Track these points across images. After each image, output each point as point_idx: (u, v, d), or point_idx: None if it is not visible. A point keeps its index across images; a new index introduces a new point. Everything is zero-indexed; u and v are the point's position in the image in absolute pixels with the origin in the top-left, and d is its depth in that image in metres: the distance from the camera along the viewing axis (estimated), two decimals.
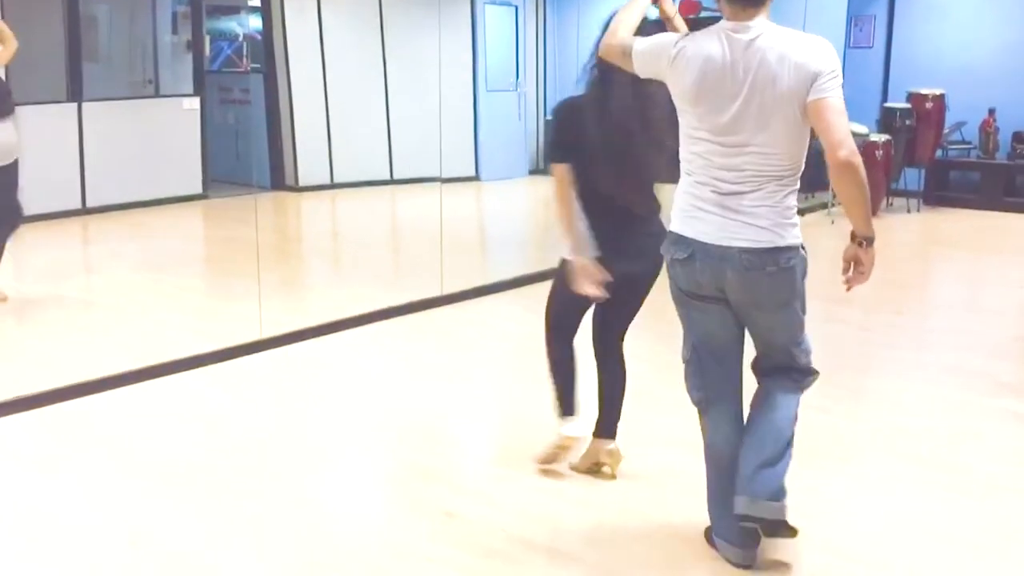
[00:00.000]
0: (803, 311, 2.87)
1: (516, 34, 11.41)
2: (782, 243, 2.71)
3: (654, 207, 3.22)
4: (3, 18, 6.60)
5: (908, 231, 8.53)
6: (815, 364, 2.97)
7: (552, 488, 3.34)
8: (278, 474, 3.46)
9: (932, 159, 9.26)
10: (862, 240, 2.68)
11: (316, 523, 3.10)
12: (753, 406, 2.89)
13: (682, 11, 9.81)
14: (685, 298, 2.80)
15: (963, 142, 9.46)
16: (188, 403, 4.17)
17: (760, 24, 2.64)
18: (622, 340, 3.37)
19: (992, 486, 3.36)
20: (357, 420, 3.99)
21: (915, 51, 9.82)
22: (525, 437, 3.74)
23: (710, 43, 2.65)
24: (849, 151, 2.56)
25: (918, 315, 5.91)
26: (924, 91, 9.06)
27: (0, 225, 5.42)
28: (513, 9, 11.34)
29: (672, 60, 2.68)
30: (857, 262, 2.71)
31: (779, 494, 2.73)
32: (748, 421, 2.87)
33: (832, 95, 2.59)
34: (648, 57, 2.76)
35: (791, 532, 2.76)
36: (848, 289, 2.76)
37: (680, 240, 2.74)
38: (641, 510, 3.18)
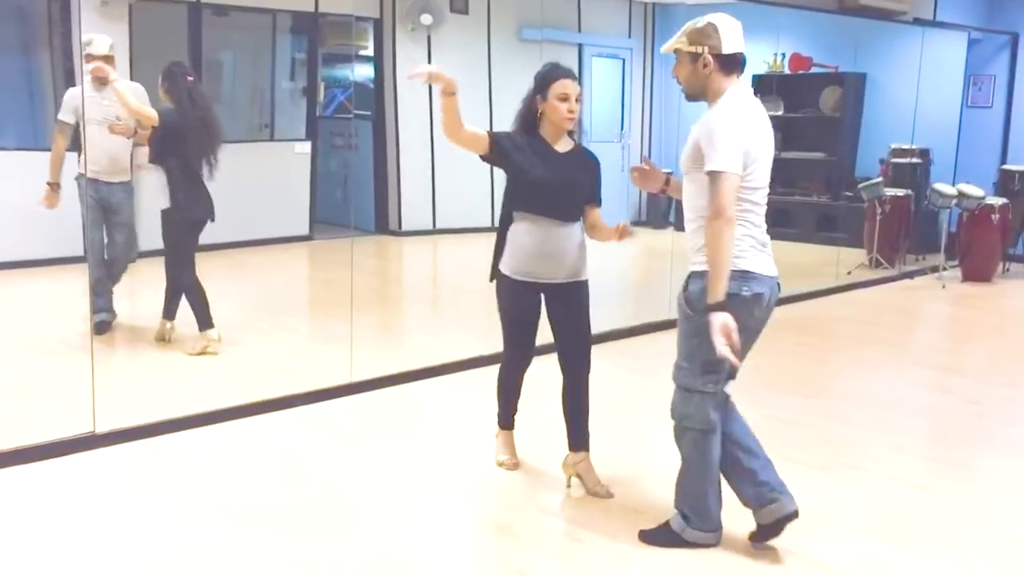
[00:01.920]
0: None
1: (623, 85, 11.45)
2: None
3: None
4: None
5: (1023, 299, 8.15)
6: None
7: (620, 550, 3.26)
8: (356, 520, 3.47)
9: None
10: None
11: (391, 572, 3.09)
12: (737, 419, 3.29)
13: (792, 67, 9.69)
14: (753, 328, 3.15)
15: None
16: (276, 443, 4.24)
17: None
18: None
19: None
20: (441, 469, 3.98)
21: None
22: (603, 500, 3.67)
23: (753, 105, 3.15)
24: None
25: None
26: None
27: (119, 258, 5.70)
28: (620, 62, 11.39)
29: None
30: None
31: None
32: (746, 432, 3.27)
33: None
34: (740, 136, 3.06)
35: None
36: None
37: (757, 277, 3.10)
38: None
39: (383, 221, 10.38)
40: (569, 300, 3.67)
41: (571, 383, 3.75)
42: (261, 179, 9.33)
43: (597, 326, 6.19)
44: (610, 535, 3.38)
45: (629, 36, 11.51)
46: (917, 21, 8.65)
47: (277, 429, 4.40)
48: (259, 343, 5.84)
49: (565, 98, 3.53)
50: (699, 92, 3.18)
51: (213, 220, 5.68)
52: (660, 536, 3.32)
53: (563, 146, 3.65)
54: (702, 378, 3.13)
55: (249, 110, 10.38)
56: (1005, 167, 9.03)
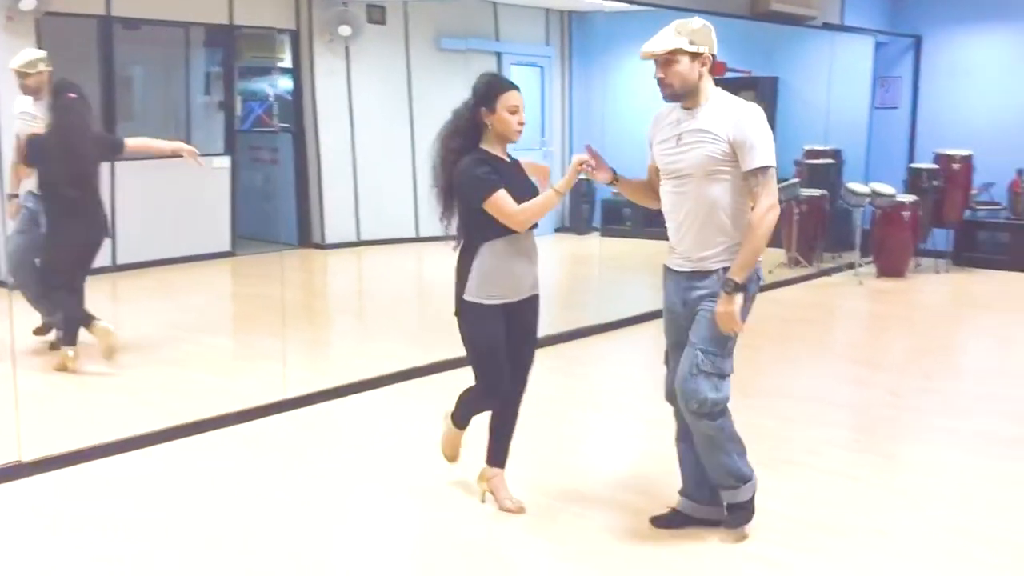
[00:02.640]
0: None
1: (542, 93, 11.54)
2: None
3: None
4: None
5: (936, 292, 8.45)
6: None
7: (574, 555, 3.29)
8: (296, 537, 3.43)
9: (960, 220, 9.21)
10: None
11: None
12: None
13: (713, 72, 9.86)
14: None
15: (992, 203, 9.40)
16: (212, 464, 4.15)
17: None
18: None
19: None
20: (378, 482, 3.96)
21: (941, 112, 9.83)
22: (548, 503, 3.70)
23: None
24: None
25: (949, 379, 5.82)
26: (951, 152, 9.05)
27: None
28: (539, 69, 11.48)
29: None
30: None
31: None
32: None
33: None
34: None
35: None
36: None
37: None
38: None
39: (306, 234, 10.25)
40: (526, 315, 3.57)
41: (510, 400, 3.64)
42: (179, 195, 9.13)
43: None
44: (557, 540, 3.40)
45: (547, 44, 11.62)
46: (826, 26, 8.92)
47: (212, 449, 4.32)
48: (187, 362, 5.72)
49: (515, 110, 3.41)
50: (691, 92, 3.22)
51: (100, 242, 5.53)
52: (737, 516, 3.39)
53: (505, 156, 3.56)
54: (729, 361, 3.28)
55: (163, 125, 10.14)
56: (913, 165, 9.36)
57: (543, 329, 5.90)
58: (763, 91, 9.88)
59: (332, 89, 10.15)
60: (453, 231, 3.54)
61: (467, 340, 3.56)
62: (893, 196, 8.74)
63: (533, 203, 3.37)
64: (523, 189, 3.44)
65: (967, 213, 9.29)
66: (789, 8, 8.06)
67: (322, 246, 10.14)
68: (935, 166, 9.01)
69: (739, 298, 3.16)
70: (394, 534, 3.59)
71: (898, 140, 9.97)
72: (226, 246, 9.48)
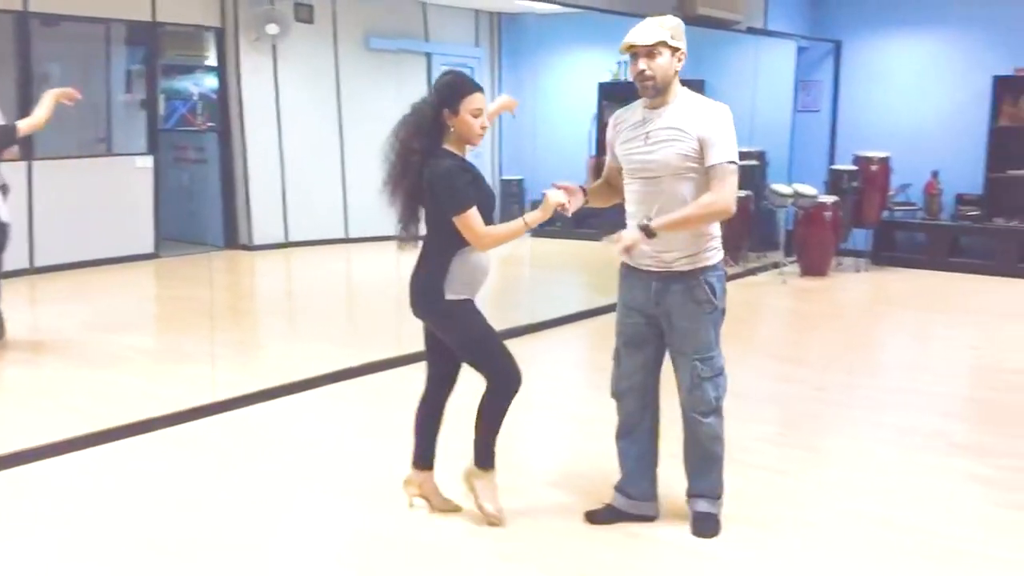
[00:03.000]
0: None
1: None
2: None
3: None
4: None
5: (857, 291, 8.68)
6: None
7: (517, 552, 3.30)
8: (230, 543, 3.38)
9: (879, 220, 9.48)
10: None
11: None
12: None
13: None
14: None
15: (908, 203, 9.70)
16: (138, 469, 4.06)
17: None
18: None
19: (953, 550, 3.38)
20: (313, 485, 3.92)
21: (860, 115, 10.11)
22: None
23: None
24: None
25: (870, 375, 5.99)
26: (869, 154, 9.30)
27: None
28: (469, 71, 11.47)
29: None
30: None
31: None
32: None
33: None
34: None
35: None
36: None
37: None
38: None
39: (232, 235, 10.10)
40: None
41: (439, 400, 3.61)
42: (99, 195, 8.93)
43: None
44: (496, 540, 3.41)
45: (476, 45, 11.63)
46: (750, 30, 9.10)
47: (142, 454, 4.22)
48: (110, 366, 5.59)
49: (478, 113, 3.31)
50: (665, 88, 3.21)
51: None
52: (712, 526, 3.43)
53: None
54: (720, 352, 3.37)
55: (83, 124, 9.89)
56: (834, 167, 9.60)
57: None
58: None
59: (259, 88, 10.01)
60: (409, 232, 3.46)
61: (465, 338, 3.42)
62: (815, 197, 8.95)
63: (501, 229, 3.31)
64: (487, 195, 3.40)
65: (885, 214, 9.57)
66: (715, 12, 8.20)
67: (249, 247, 10.00)
68: (855, 168, 9.26)
69: (641, 237, 3.18)
70: (331, 537, 3.55)
71: (819, 142, 10.23)
72: (149, 247, 9.30)
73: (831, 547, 3.39)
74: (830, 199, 9.03)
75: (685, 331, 3.30)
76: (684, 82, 3.37)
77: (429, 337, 3.56)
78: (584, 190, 3.46)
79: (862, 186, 9.20)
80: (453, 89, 3.32)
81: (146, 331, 7.00)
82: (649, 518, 3.50)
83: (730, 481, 3.55)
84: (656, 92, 3.22)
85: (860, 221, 9.38)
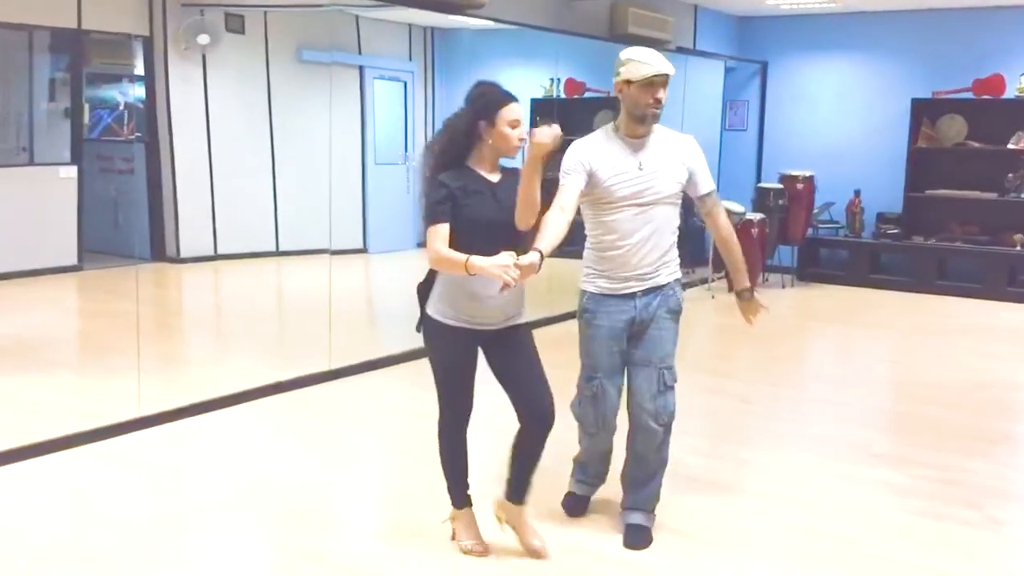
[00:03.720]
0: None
1: (405, 108, 11.54)
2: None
3: None
4: None
5: (783, 306, 8.87)
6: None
7: (445, 567, 3.30)
8: (156, 561, 3.31)
9: (803, 237, 9.71)
10: None
11: None
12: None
13: (567, 91, 10.03)
14: None
15: (832, 221, 9.96)
16: (60, 486, 3.96)
17: None
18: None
19: (874, 556, 3.48)
20: (241, 501, 3.87)
21: (786, 134, 10.37)
22: (414, 515, 3.69)
23: None
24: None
25: (795, 387, 6.13)
26: (795, 172, 9.53)
27: None
28: (402, 84, 11.48)
29: None
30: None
31: None
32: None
33: None
34: None
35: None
36: None
37: None
38: None
39: (160, 248, 9.90)
40: (507, 346, 3.28)
41: (525, 433, 3.32)
42: (21, 206, 8.69)
43: (380, 350, 6.22)
44: (424, 554, 3.40)
45: (410, 59, 11.62)
46: (680, 50, 9.26)
47: (63, 470, 4.12)
48: (31, 382, 5.43)
49: (516, 124, 3.14)
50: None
51: None
52: (646, 538, 3.50)
53: (495, 175, 3.23)
54: None
55: (4, 133, 9.64)
56: (760, 185, 9.81)
57: (407, 343, 5.92)
58: (619, 111, 10.18)
59: (188, 98, 9.86)
60: None
61: (430, 359, 3.35)
62: (743, 214, 9.13)
63: (448, 257, 3.08)
64: (496, 210, 3.15)
65: (810, 231, 9.81)
66: (646, 32, 8.34)
67: (177, 260, 9.81)
68: (780, 186, 9.48)
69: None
70: (257, 555, 3.51)
71: (746, 160, 10.45)
72: (73, 260, 9.06)
73: (757, 556, 3.46)
74: (757, 216, 9.21)
75: (656, 340, 3.44)
76: (615, 99, 3.47)
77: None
78: (540, 254, 3.07)
79: (788, 204, 9.42)
80: (488, 100, 3.17)
81: (69, 345, 6.82)
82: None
83: (663, 493, 3.61)
84: (655, 121, 3.40)
85: (786, 238, 9.60)
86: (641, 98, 3.33)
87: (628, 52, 3.41)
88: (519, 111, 3.17)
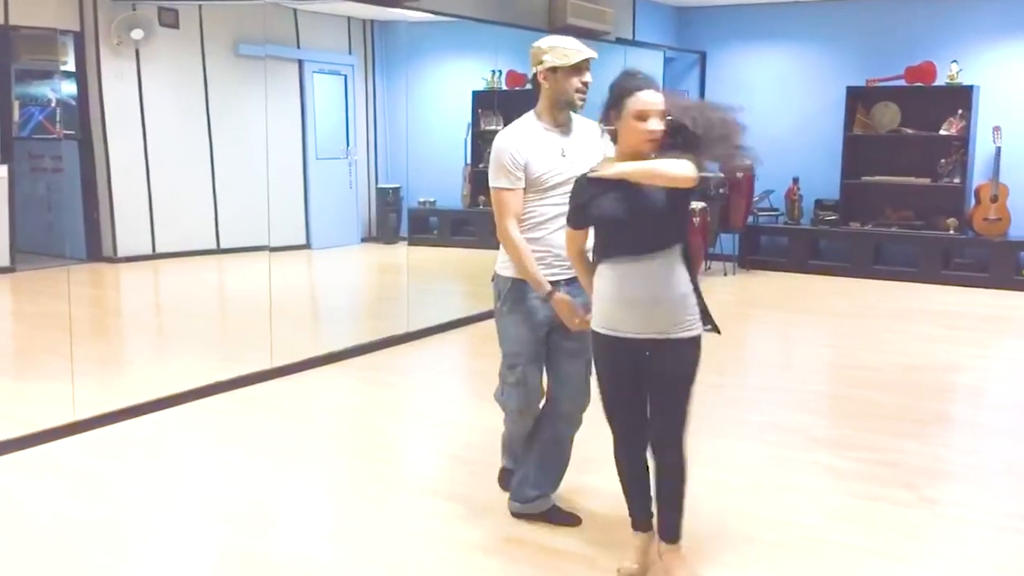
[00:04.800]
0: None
1: (345, 102, 11.43)
2: None
3: None
4: None
5: (725, 293, 8.97)
6: None
7: (391, 568, 3.28)
8: (91, 569, 3.24)
9: (744, 225, 9.83)
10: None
11: None
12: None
13: (509, 83, 10.04)
14: None
15: (772, 209, 10.09)
16: None
17: None
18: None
19: (813, 539, 3.54)
20: (181, 504, 3.81)
21: None
22: (360, 516, 3.67)
23: None
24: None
25: (737, 374, 6.20)
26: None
27: None
28: (342, 78, 11.36)
29: None
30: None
31: None
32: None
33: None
34: None
35: None
36: None
37: None
38: None
39: (96, 247, 9.69)
40: (662, 362, 3.12)
41: (655, 464, 3.24)
42: None
43: (322, 346, 6.16)
44: (368, 552, 3.38)
45: (350, 52, 11.51)
46: (619, 40, 9.30)
47: None
48: None
49: (644, 116, 2.85)
50: None
51: None
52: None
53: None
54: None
55: None
56: (701, 174, 9.89)
57: (351, 339, 5.89)
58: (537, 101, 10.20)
59: (121, 94, 9.65)
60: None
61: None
62: None
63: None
64: (628, 201, 2.94)
65: (750, 219, 9.93)
66: (585, 23, 8.35)
67: (114, 260, 9.61)
68: (721, 174, 9.57)
69: None
70: (198, 559, 3.45)
71: None
72: (5, 261, 8.84)
73: (698, 542, 3.48)
74: (699, 205, 9.29)
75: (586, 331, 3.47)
76: None
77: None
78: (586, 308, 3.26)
79: (728, 192, 9.52)
80: (616, 89, 2.95)
81: (1, 349, 6.65)
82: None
83: (605, 483, 3.62)
84: (583, 105, 3.39)
85: (727, 226, 9.71)
86: (569, 84, 3.36)
87: (547, 40, 3.45)
88: (647, 101, 2.87)
